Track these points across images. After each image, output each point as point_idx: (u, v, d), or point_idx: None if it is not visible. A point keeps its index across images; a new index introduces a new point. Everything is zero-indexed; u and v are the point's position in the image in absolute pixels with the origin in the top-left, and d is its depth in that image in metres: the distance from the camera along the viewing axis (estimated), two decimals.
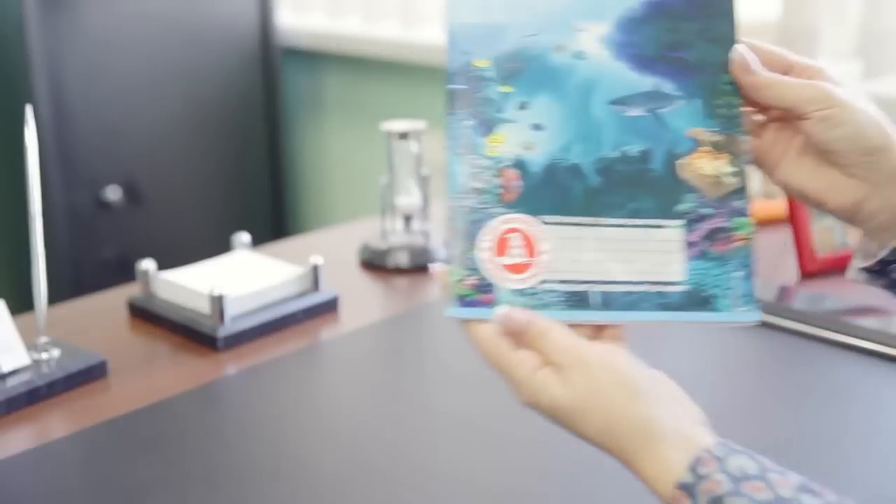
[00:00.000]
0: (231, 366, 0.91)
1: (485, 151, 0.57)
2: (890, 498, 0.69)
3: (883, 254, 0.57)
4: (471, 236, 0.56)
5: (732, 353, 0.93)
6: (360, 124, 2.33)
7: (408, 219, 1.19)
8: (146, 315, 1.00)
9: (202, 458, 0.75)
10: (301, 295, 1.01)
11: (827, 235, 1.11)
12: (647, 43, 0.59)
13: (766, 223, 1.21)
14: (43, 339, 0.88)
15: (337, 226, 1.37)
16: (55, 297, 2.06)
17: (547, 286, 0.56)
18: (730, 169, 0.58)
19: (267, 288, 0.99)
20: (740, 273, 0.57)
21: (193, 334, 0.95)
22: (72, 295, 2.07)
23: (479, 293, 0.56)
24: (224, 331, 0.93)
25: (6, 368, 0.84)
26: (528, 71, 0.58)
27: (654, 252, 0.57)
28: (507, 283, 0.56)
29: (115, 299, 1.06)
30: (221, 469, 0.73)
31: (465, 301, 0.56)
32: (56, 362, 0.87)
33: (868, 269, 0.59)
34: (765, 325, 0.96)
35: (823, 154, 0.58)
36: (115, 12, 2.04)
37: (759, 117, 0.61)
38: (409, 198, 1.18)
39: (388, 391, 0.85)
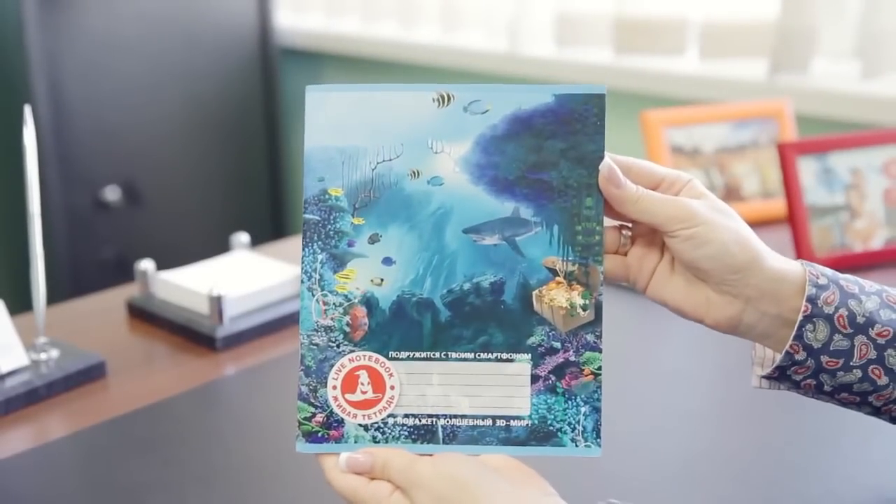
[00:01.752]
0: (230, 366, 0.91)
1: (334, 288, 0.58)
2: (889, 498, 0.69)
3: (778, 361, 0.58)
4: (320, 374, 0.58)
5: (732, 353, 0.93)
6: None
7: None
8: (145, 315, 1.00)
9: (201, 458, 0.75)
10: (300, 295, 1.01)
11: (826, 235, 1.11)
12: (508, 163, 0.57)
13: (766, 223, 1.22)
14: (42, 340, 0.88)
15: None
16: (54, 297, 2.06)
17: (393, 420, 0.57)
18: (582, 301, 0.57)
19: (266, 288, 0.99)
20: (586, 408, 0.56)
21: (192, 334, 0.95)
22: (70, 295, 2.07)
23: (328, 429, 0.58)
24: (223, 331, 0.93)
25: (5, 369, 0.84)
26: (381, 201, 0.58)
27: (501, 385, 0.57)
28: (354, 419, 0.57)
29: (113, 299, 1.06)
30: (220, 469, 0.73)
31: (313, 437, 0.58)
32: (55, 363, 0.87)
33: (769, 377, 0.59)
34: None
35: (692, 271, 0.57)
36: (114, 13, 2.04)
37: (627, 233, 0.60)
38: None
39: None
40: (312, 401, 0.59)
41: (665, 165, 0.65)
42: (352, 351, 0.57)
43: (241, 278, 1.01)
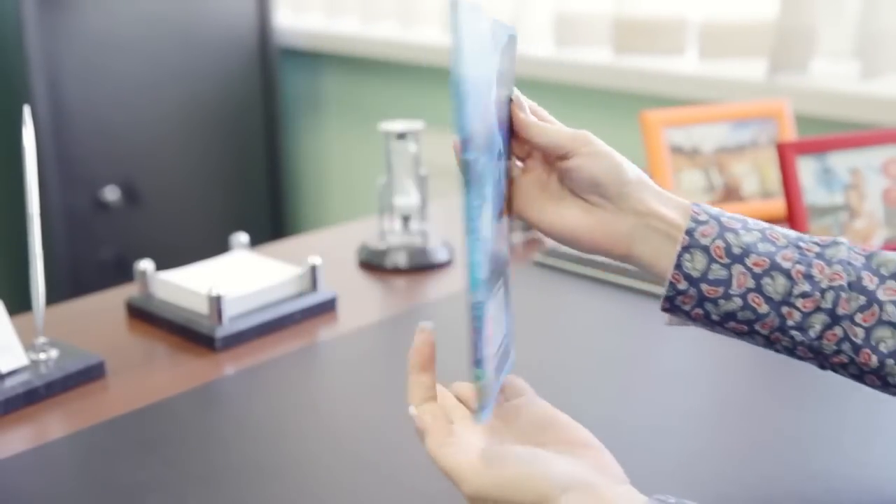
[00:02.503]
0: (229, 366, 0.91)
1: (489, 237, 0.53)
2: (890, 498, 0.69)
3: (664, 292, 0.62)
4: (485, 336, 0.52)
5: (732, 352, 0.93)
6: (358, 124, 2.33)
7: (406, 219, 1.19)
8: (144, 315, 1.00)
9: (201, 459, 0.75)
10: (299, 295, 1.01)
11: (825, 235, 1.11)
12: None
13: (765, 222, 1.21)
14: (41, 340, 0.88)
15: (335, 226, 1.37)
16: (53, 297, 2.07)
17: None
18: None
19: (265, 288, 0.99)
20: None
21: (191, 334, 0.95)
22: (70, 295, 2.07)
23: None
24: (222, 331, 0.93)
25: (4, 369, 0.84)
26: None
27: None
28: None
29: (113, 300, 1.06)
30: (220, 469, 0.73)
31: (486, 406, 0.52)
32: (54, 363, 0.87)
33: (664, 310, 0.63)
34: None
35: (588, 191, 0.63)
36: (113, 13, 2.04)
37: (519, 164, 0.66)
38: (407, 198, 1.18)
39: (385, 391, 0.85)
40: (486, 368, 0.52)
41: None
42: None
43: (240, 278, 1.01)
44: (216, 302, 0.93)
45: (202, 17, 2.17)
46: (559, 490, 0.50)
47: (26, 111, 0.84)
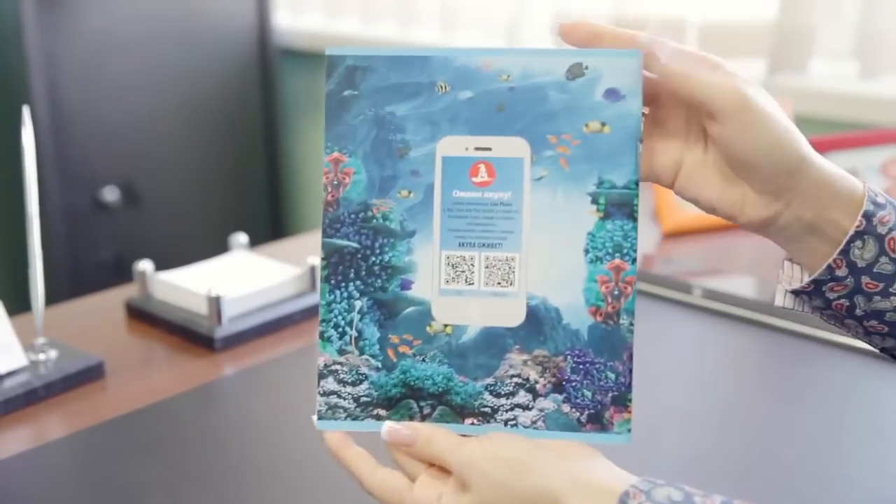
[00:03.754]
0: (229, 367, 0.91)
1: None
2: (888, 498, 0.69)
3: (816, 274, 0.54)
4: None
5: (732, 353, 0.93)
6: None
7: None
8: (143, 316, 1.00)
9: (200, 459, 0.74)
10: (299, 296, 1.01)
11: None
12: None
13: None
14: (40, 341, 0.88)
15: None
16: (52, 297, 2.06)
17: None
18: None
19: (264, 289, 0.99)
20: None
21: (191, 335, 0.95)
22: (69, 296, 2.07)
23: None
24: (221, 331, 0.93)
25: (3, 369, 0.84)
26: None
27: None
28: None
29: (112, 300, 1.06)
30: (219, 470, 0.73)
31: None
32: (53, 363, 0.87)
33: (799, 292, 0.56)
34: (764, 325, 0.96)
35: (736, 165, 0.53)
36: (113, 13, 2.04)
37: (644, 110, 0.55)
38: None
39: None
40: None
41: None
42: None
43: (239, 279, 1.01)
44: (215, 302, 0.93)
45: (202, 17, 2.17)
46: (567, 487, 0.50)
47: (25, 111, 0.84)
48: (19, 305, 1.12)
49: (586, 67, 0.54)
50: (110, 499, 0.70)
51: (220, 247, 1.16)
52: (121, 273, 2.09)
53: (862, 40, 1.49)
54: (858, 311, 0.55)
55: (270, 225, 2.37)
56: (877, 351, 0.59)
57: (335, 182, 0.55)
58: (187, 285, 0.98)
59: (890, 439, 0.76)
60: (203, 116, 2.21)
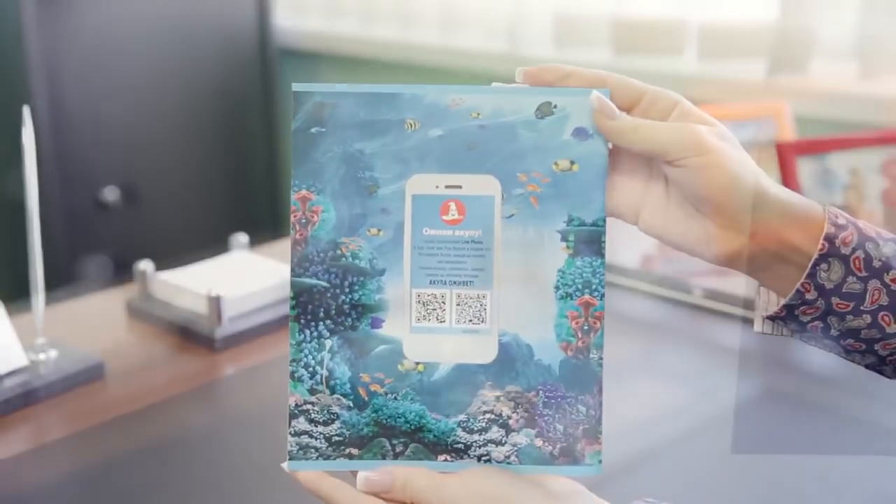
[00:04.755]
0: (229, 367, 0.91)
1: None
2: (890, 498, 0.69)
3: (787, 299, 0.54)
4: None
5: (732, 352, 0.93)
6: None
7: None
8: (144, 316, 1.00)
9: (200, 459, 0.74)
10: None
11: None
12: None
13: None
14: (40, 340, 0.88)
15: None
16: (52, 298, 2.06)
17: None
18: None
19: (265, 288, 0.99)
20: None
21: (191, 335, 0.95)
22: (69, 296, 2.06)
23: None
24: (222, 331, 0.93)
25: (4, 370, 0.84)
26: None
27: None
28: None
29: (112, 300, 1.06)
30: (219, 469, 0.73)
31: None
32: (53, 363, 0.87)
33: (774, 317, 0.56)
34: None
35: (696, 203, 0.54)
36: (113, 13, 2.04)
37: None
38: None
39: None
40: None
41: None
42: None
43: (239, 279, 1.01)
44: (216, 302, 0.93)
45: (202, 17, 2.17)
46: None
47: (25, 111, 0.84)
48: (19, 305, 1.12)
49: (555, 106, 0.55)
50: (110, 498, 0.70)
51: (221, 247, 1.17)
52: (121, 273, 2.09)
53: (862, 41, 1.49)
54: (833, 332, 0.55)
55: (270, 225, 2.37)
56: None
57: (303, 220, 0.55)
58: (187, 285, 0.98)
59: (890, 439, 0.76)
60: (203, 116, 2.21)
